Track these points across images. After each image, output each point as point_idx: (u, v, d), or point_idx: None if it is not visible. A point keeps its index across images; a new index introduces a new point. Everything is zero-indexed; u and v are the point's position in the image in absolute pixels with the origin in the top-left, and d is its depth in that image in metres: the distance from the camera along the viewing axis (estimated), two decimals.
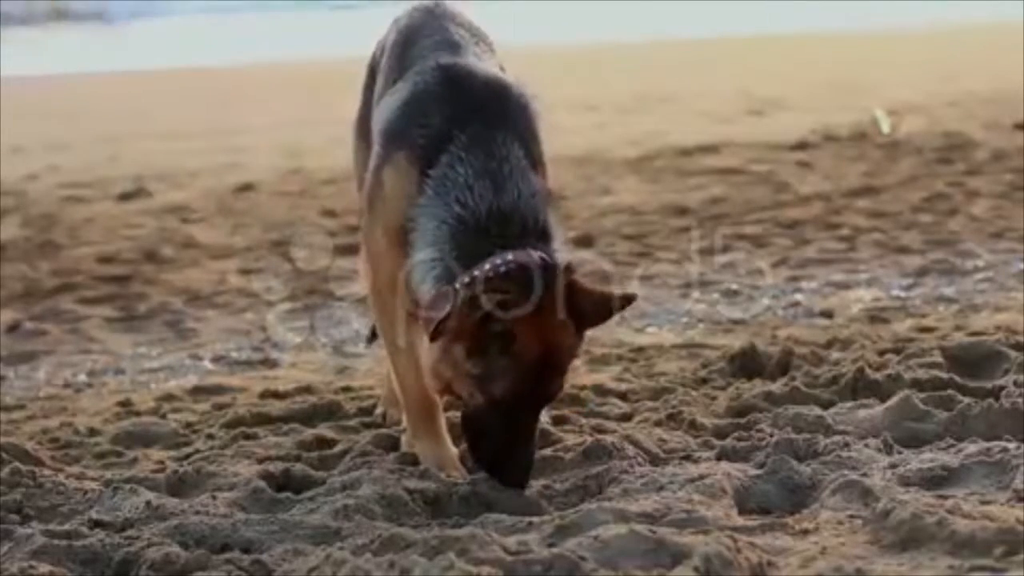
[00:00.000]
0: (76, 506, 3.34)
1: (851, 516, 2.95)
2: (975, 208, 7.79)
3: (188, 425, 4.33)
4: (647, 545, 2.74)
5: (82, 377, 5.49)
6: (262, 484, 3.39)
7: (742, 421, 3.83)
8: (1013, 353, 4.24)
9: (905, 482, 3.16)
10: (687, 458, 3.49)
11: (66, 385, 5.37)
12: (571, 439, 3.71)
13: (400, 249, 3.36)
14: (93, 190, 9.77)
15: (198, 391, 4.90)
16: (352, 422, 4.14)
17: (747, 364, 4.47)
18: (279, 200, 9.16)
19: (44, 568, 2.87)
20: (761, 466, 3.30)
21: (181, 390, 4.94)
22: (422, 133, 3.37)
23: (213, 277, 7.05)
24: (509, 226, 3.24)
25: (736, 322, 5.67)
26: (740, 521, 3.00)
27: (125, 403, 4.73)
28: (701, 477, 3.19)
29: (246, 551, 2.98)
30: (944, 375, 4.10)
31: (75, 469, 3.78)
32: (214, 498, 3.30)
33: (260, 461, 3.70)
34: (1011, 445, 3.28)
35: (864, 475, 3.18)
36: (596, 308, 3.28)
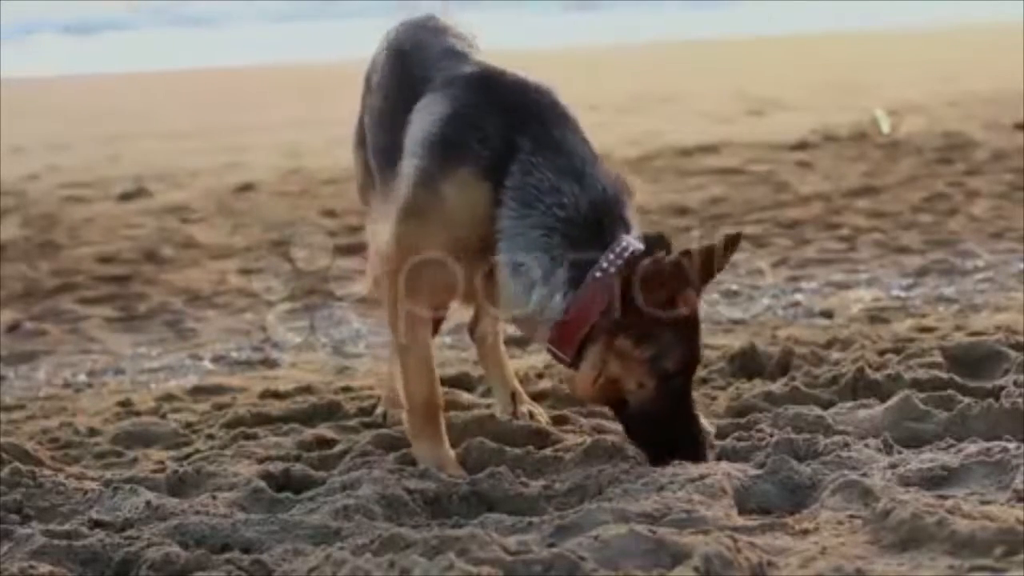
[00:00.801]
0: (76, 506, 3.34)
1: (851, 516, 2.95)
2: (975, 208, 7.79)
3: (188, 425, 4.33)
4: (647, 545, 2.74)
5: (82, 377, 5.49)
6: (262, 484, 3.39)
7: (742, 421, 3.83)
8: (1013, 353, 4.24)
9: (905, 482, 3.16)
10: None
11: (66, 385, 5.37)
12: (571, 439, 3.71)
13: (459, 261, 3.39)
14: (93, 190, 9.78)
15: (198, 391, 4.90)
16: (352, 422, 4.13)
17: (747, 364, 4.47)
18: (279, 200, 9.17)
19: (44, 568, 2.87)
20: (761, 466, 3.30)
21: (181, 390, 4.93)
22: (481, 146, 3.37)
23: (213, 277, 7.05)
24: (606, 217, 3.32)
25: (736, 322, 5.67)
26: (740, 521, 3.00)
27: (125, 403, 4.73)
28: (701, 477, 3.19)
29: (246, 551, 2.98)
30: (944, 375, 4.10)
31: (75, 469, 3.77)
32: (214, 498, 3.30)
33: (260, 461, 3.70)
34: (1011, 445, 3.28)
35: (864, 475, 3.18)
36: (710, 263, 3.37)
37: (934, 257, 6.70)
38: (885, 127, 11.00)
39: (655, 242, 3.34)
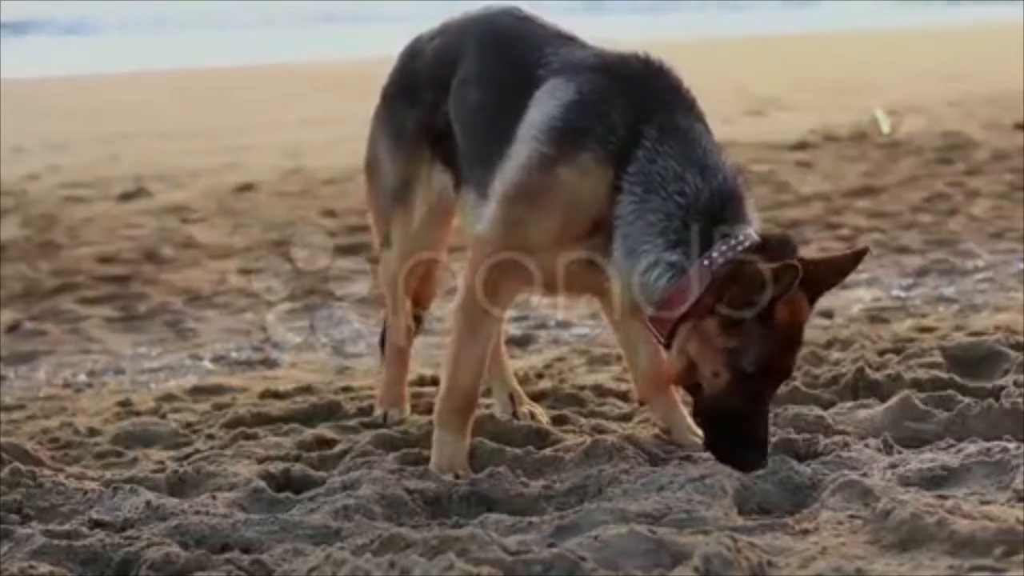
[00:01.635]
0: (76, 506, 3.34)
1: (851, 516, 2.95)
2: (975, 208, 7.80)
3: (188, 425, 4.33)
4: (647, 545, 2.74)
5: (82, 377, 5.49)
6: (262, 484, 3.39)
7: None
8: (1013, 353, 4.24)
9: (905, 482, 3.16)
10: (687, 458, 3.49)
11: (66, 385, 5.37)
12: (571, 439, 3.71)
13: (569, 247, 3.39)
14: (93, 190, 9.77)
15: (198, 391, 4.89)
16: (352, 422, 4.13)
17: None
18: (279, 200, 9.16)
19: (44, 568, 2.87)
20: None
21: (181, 390, 4.93)
22: (606, 132, 3.37)
23: (213, 277, 7.05)
24: (727, 206, 3.32)
25: None
26: (740, 521, 3.00)
27: (125, 403, 4.73)
28: (701, 477, 3.19)
29: (246, 551, 2.98)
30: (944, 375, 4.10)
31: (75, 469, 3.77)
32: (214, 498, 3.30)
33: (260, 461, 3.70)
34: (1011, 445, 3.28)
35: (864, 475, 3.18)
36: (829, 275, 3.34)
37: (934, 257, 6.71)
38: (885, 127, 11.00)
39: (774, 242, 3.32)
